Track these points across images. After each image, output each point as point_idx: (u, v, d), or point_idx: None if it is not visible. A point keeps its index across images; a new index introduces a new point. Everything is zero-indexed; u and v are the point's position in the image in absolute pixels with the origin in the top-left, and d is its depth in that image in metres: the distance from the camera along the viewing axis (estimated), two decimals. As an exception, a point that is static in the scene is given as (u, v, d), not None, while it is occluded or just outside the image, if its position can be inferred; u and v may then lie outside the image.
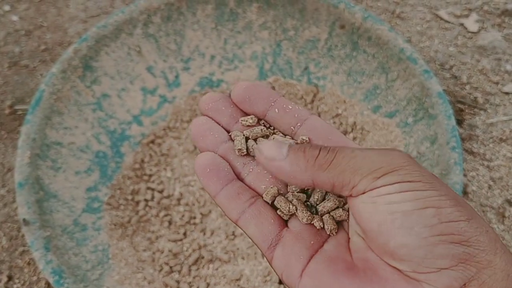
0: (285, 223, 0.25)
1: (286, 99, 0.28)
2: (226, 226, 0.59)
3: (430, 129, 0.56)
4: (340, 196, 0.26)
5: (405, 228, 0.20)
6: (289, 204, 0.25)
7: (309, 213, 0.25)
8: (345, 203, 0.26)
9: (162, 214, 0.60)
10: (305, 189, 0.27)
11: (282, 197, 0.25)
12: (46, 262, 0.47)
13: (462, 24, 0.80)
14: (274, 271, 0.24)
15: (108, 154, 0.62)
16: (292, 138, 0.27)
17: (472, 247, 0.20)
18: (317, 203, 0.26)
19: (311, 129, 0.27)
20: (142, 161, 0.64)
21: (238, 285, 0.55)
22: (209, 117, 0.28)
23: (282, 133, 0.28)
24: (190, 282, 0.55)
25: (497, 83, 0.73)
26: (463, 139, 0.67)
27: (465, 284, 0.20)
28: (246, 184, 0.26)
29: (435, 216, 0.20)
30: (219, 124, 0.28)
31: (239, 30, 0.69)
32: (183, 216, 0.60)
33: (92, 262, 0.53)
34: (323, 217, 0.25)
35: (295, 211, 0.25)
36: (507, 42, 0.77)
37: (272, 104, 0.28)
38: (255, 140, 0.27)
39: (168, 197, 0.61)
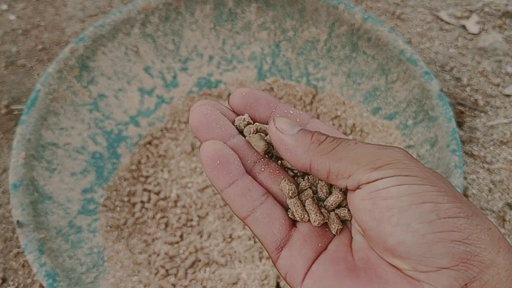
0: (293, 223, 0.25)
1: (286, 104, 0.27)
2: (223, 228, 0.58)
3: (430, 131, 0.56)
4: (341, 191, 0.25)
5: (402, 225, 0.20)
6: (305, 213, 0.24)
7: (321, 217, 0.24)
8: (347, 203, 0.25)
9: (158, 216, 0.59)
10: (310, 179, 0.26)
11: (299, 201, 0.24)
12: (40, 265, 0.46)
13: (462, 26, 0.79)
14: (278, 270, 0.24)
15: (105, 155, 0.62)
16: None
17: (473, 246, 0.19)
18: (326, 196, 0.25)
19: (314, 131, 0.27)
20: (139, 162, 0.63)
21: (235, 289, 0.54)
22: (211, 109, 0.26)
23: None
24: (186, 286, 0.55)
25: (497, 85, 0.72)
26: (463, 142, 0.67)
27: (466, 284, 0.19)
28: (257, 182, 0.25)
29: (433, 211, 0.19)
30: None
31: (237, 31, 0.68)
32: (179, 218, 0.59)
33: (87, 265, 0.52)
34: (330, 215, 0.25)
35: (308, 218, 0.24)
36: (508, 44, 0.76)
37: (274, 110, 0.27)
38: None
39: (164, 199, 0.61)
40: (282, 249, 0.23)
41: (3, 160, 0.65)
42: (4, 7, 0.82)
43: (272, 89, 0.69)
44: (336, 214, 0.25)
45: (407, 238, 0.19)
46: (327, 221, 0.25)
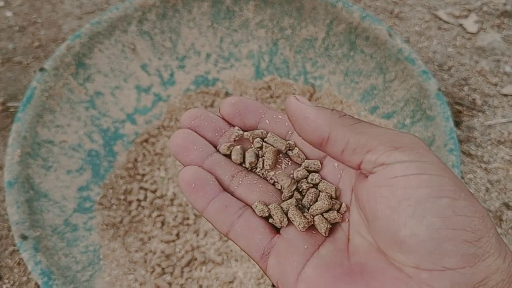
0: (276, 230, 0.25)
1: (275, 110, 0.28)
2: (220, 227, 0.58)
3: (427, 130, 0.56)
4: (332, 198, 0.25)
5: (417, 217, 0.19)
6: (284, 216, 0.24)
7: (306, 219, 0.24)
8: (340, 207, 0.25)
9: (155, 214, 0.59)
10: (299, 188, 0.26)
11: (279, 206, 0.25)
12: (35, 263, 0.46)
13: (461, 25, 0.79)
14: (270, 279, 0.24)
15: (101, 153, 0.61)
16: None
17: (482, 249, 0.19)
18: (310, 204, 0.25)
19: None
20: (135, 160, 0.63)
21: (231, 288, 0.54)
22: (191, 129, 0.27)
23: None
24: (182, 284, 0.54)
25: (495, 85, 0.72)
26: (460, 141, 0.66)
27: None
28: (236, 197, 0.26)
29: (450, 207, 0.19)
30: (204, 138, 0.27)
31: (235, 28, 0.68)
32: (176, 216, 0.59)
33: (82, 263, 0.52)
34: (315, 218, 0.25)
35: (287, 223, 0.24)
36: (506, 43, 0.76)
37: (263, 116, 0.28)
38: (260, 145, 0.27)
39: (161, 197, 0.60)
40: (268, 257, 0.24)
41: (-1, 158, 0.65)
42: (1, 3, 0.82)
43: (269, 87, 0.69)
44: (323, 216, 0.25)
45: (420, 230, 0.19)
46: (312, 223, 0.24)
